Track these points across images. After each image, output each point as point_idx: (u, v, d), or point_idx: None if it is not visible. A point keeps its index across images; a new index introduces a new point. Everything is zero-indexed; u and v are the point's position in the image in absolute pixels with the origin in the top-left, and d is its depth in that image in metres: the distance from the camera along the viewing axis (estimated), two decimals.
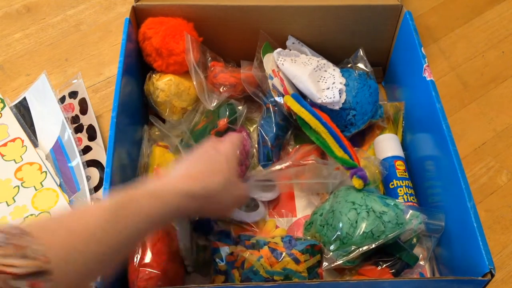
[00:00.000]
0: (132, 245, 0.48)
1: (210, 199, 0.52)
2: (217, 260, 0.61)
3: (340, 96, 0.71)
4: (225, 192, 0.54)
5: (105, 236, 0.41)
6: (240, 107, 0.77)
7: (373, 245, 0.60)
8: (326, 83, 0.73)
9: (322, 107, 0.71)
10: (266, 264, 0.59)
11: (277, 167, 0.70)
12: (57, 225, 0.40)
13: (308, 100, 0.72)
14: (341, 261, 0.60)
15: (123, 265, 0.58)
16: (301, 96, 0.73)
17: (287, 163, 0.70)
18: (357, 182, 0.63)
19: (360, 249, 0.60)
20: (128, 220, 0.44)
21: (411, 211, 0.62)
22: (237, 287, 0.57)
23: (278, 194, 0.73)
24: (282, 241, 0.61)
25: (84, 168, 0.74)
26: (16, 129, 0.79)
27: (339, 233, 0.60)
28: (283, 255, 0.59)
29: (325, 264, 0.62)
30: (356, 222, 0.60)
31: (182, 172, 0.53)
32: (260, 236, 0.65)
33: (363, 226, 0.60)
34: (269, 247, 0.60)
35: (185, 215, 0.55)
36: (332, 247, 0.61)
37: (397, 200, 0.63)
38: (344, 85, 0.73)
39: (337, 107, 0.71)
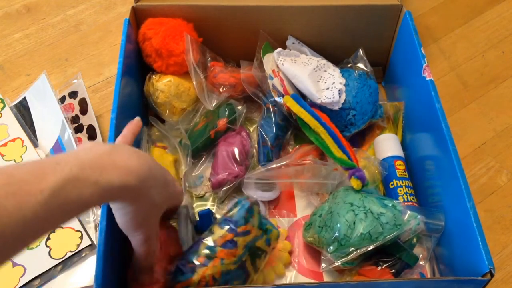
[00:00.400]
0: (58, 225, 0.43)
1: (158, 184, 0.49)
2: None
3: (339, 96, 0.71)
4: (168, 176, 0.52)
5: (33, 222, 0.38)
6: (239, 107, 0.77)
7: (371, 247, 0.60)
8: (326, 83, 0.73)
9: (322, 107, 0.71)
10: (230, 259, 0.57)
11: (275, 165, 0.70)
12: None
13: (308, 100, 0.72)
14: (340, 263, 0.60)
15: (122, 268, 0.57)
16: (301, 96, 0.73)
17: (285, 162, 0.70)
18: (355, 183, 0.63)
19: (358, 250, 0.60)
20: (64, 210, 0.40)
21: (409, 212, 0.61)
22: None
23: (278, 194, 0.72)
24: (221, 228, 0.58)
25: None
26: (16, 129, 0.79)
27: (337, 234, 0.60)
28: (235, 241, 0.57)
29: (323, 265, 0.62)
30: (354, 223, 0.60)
31: (129, 156, 0.47)
32: (198, 240, 0.60)
33: (360, 228, 0.60)
34: (219, 246, 0.57)
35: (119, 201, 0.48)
36: (330, 249, 0.61)
37: (395, 201, 0.63)
38: (344, 85, 0.73)
39: (336, 107, 0.71)
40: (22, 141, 0.78)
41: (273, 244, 0.62)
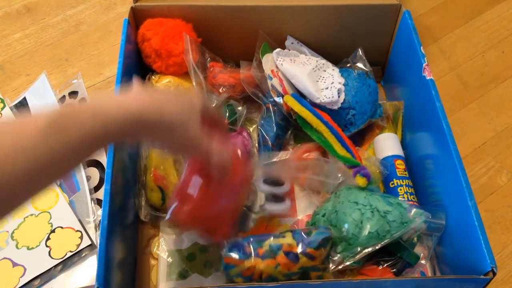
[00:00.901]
0: (69, 164, 0.41)
1: (165, 128, 0.45)
2: (233, 276, 0.58)
3: (338, 96, 0.71)
4: (185, 123, 0.46)
5: (37, 154, 0.37)
6: (239, 108, 0.77)
7: (379, 245, 0.59)
8: (325, 83, 0.73)
9: (322, 107, 0.71)
10: (284, 269, 0.58)
11: (278, 157, 0.70)
12: None
13: (308, 100, 0.72)
14: (349, 263, 0.60)
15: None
16: (300, 95, 0.73)
17: (288, 155, 0.70)
18: (360, 180, 0.63)
19: (366, 249, 0.60)
20: (65, 138, 0.39)
21: (414, 209, 0.61)
22: (240, 287, 0.57)
23: (289, 208, 0.70)
24: (294, 239, 0.59)
25: (84, 168, 0.74)
26: None
27: (345, 234, 0.60)
28: (299, 257, 0.58)
29: (332, 266, 0.61)
30: (361, 222, 0.60)
31: (135, 95, 0.45)
32: (269, 234, 0.61)
33: (368, 227, 0.59)
34: (283, 251, 0.58)
35: (133, 140, 0.46)
36: (338, 248, 0.61)
37: (400, 199, 0.63)
38: (343, 84, 0.73)
39: (335, 107, 0.71)
40: None
41: None
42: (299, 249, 0.58)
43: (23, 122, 0.40)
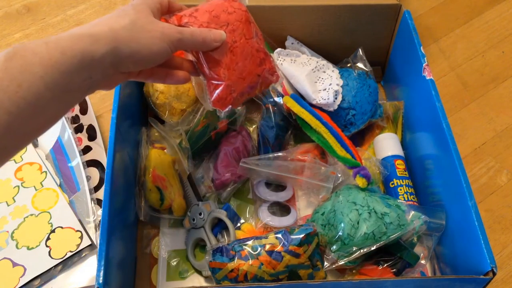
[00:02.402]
0: (45, 109, 0.40)
1: (121, 40, 0.45)
2: (220, 280, 0.60)
3: (335, 98, 0.71)
4: (139, 31, 0.47)
5: (1, 92, 0.36)
6: (239, 108, 0.77)
7: (374, 246, 0.60)
8: (323, 84, 0.73)
9: (320, 108, 0.71)
10: (269, 268, 0.58)
11: (275, 154, 0.70)
12: None
13: (306, 100, 0.72)
14: (343, 262, 0.60)
15: None
16: (300, 95, 0.73)
17: (285, 154, 0.70)
18: (360, 181, 0.63)
19: (361, 250, 0.60)
20: (24, 69, 0.38)
21: (413, 212, 0.61)
22: (240, 287, 0.57)
23: (296, 220, 0.70)
24: (276, 239, 0.60)
25: (84, 168, 0.74)
26: None
27: (341, 233, 0.60)
28: (282, 255, 0.59)
29: (326, 264, 0.62)
30: (358, 223, 0.60)
31: (84, 25, 0.46)
32: (252, 237, 0.63)
33: (364, 227, 0.60)
34: (266, 251, 0.59)
35: (99, 64, 0.44)
36: (333, 248, 0.61)
37: (399, 201, 0.63)
38: (341, 86, 0.73)
39: (331, 109, 0.71)
40: None
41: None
42: (281, 248, 0.59)
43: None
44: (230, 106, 0.58)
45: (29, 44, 0.40)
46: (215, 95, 0.56)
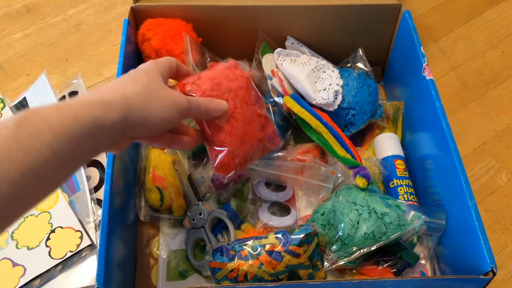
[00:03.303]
0: (50, 176, 0.39)
1: (133, 107, 0.45)
2: (220, 280, 0.60)
3: (335, 98, 0.71)
4: (150, 98, 0.47)
5: (10, 155, 0.35)
6: None
7: (374, 246, 0.59)
8: (323, 84, 0.73)
9: (320, 108, 0.71)
10: (269, 268, 0.58)
11: (275, 154, 0.70)
12: None
13: (306, 100, 0.72)
14: (343, 262, 0.60)
15: None
16: (300, 96, 0.73)
17: (285, 154, 0.70)
18: (360, 181, 0.63)
19: (362, 250, 0.60)
20: (34, 137, 0.37)
21: (413, 212, 0.61)
22: (240, 287, 0.57)
23: (296, 220, 0.70)
24: (276, 239, 0.60)
25: (84, 168, 0.74)
26: None
27: (341, 233, 0.60)
28: (282, 255, 0.59)
29: (326, 264, 0.62)
30: (358, 223, 0.60)
31: (96, 89, 0.46)
32: (252, 237, 0.63)
33: (364, 227, 0.59)
34: (266, 251, 0.59)
35: (109, 131, 0.43)
36: (333, 248, 0.61)
37: (399, 201, 0.63)
38: (341, 86, 0.73)
39: (331, 109, 0.71)
40: None
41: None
42: (281, 247, 0.59)
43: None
44: (234, 172, 0.59)
45: (41, 110, 0.39)
46: (217, 161, 0.58)
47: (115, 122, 0.43)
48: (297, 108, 0.68)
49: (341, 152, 0.65)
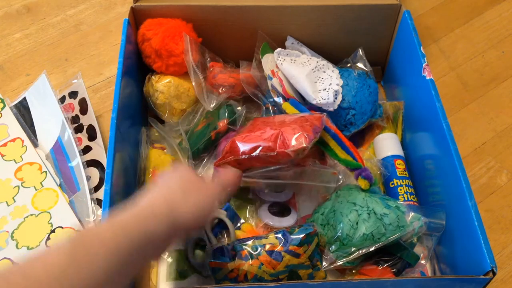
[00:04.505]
0: (112, 283, 0.41)
1: (177, 217, 0.47)
2: (220, 280, 0.60)
3: (335, 98, 0.71)
4: (191, 197, 0.50)
5: (68, 279, 0.37)
6: (239, 108, 0.77)
7: (373, 247, 0.59)
8: (323, 84, 0.73)
9: (320, 108, 0.71)
10: (269, 268, 0.58)
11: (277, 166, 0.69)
12: (14, 273, 0.36)
13: (306, 100, 0.72)
14: (341, 262, 0.60)
15: None
16: (299, 96, 0.73)
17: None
18: (362, 183, 0.63)
19: (360, 250, 0.60)
20: (90, 262, 0.39)
21: (412, 214, 0.61)
22: (240, 287, 0.57)
23: (296, 220, 0.70)
24: (276, 239, 0.60)
25: (84, 168, 0.74)
26: (16, 129, 0.79)
27: (339, 234, 0.60)
28: (282, 255, 0.59)
29: (325, 264, 0.62)
30: (357, 223, 0.60)
31: (154, 194, 0.49)
32: (252, 237, 0.63)
33: (363, 228, 0.59)
34: (266, 251, 0.59)
35: (155, 242, 0.46)
36: (332, 248, 0.61)
37: (399, 202, 0.63)
38: (341, 86, 0.73)
39: (331, 109, 0.71)
40: (22, 141, 0.78)
41: None
42: (281, 247, 0.59)
43: (48, 251, 0.40)
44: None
45: (96, 230, 0.42)
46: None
47: (162, 232, 0.45)
48: (296, 113, 0.69)
49: (342, 154, 0.65)
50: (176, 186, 0.50)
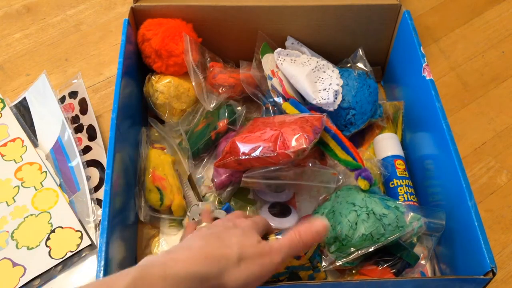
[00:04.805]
0: None
1: (228, 280, 0.46)
2: None
3: (335, 98, 0.71)
4: (244, 263, 0.47)
5: None
6: (239, 108, 0.77)
7: (372, 248, 0.59)
8: (323, 84, 0.73)
9: (320, 108, 0.71)
10: None
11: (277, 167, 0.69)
12: None
13: (306, 100, 0.72)
14: (340, 263, 0.60)
15: None
16: (299, 96, 0.73)
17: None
18: (362, 183, 0.63)
19: (359, 251, 0.60)
20: None
21: (412, 214, 0.61)
22: None
23: (297, 221, 0.70)
24: (277, 239, 0.60)
25: (84, 168, 0.74)
26: (16, 129, 0.79)
27: (339, 234, 0.60)
28: None
29: (324, 264, 0.62)
30: (356, 224, 0.60)
31: (186, 253, 0.46)
32: None
33: (362, 228, 0.59)
34: None
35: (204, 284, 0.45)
36: (331, 248, 0.61)
37: (398, 202, 0.63)
38: (341, 86, 0.73)
39: (331, 109, 0.71)
40: (22, 141, 0.78)
41: None
42: None
43: None
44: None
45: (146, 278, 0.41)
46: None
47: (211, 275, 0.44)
48: (296, 113, 0.69)
49: (342, 155, 0.65)
50: (234, 251, 0.47)
